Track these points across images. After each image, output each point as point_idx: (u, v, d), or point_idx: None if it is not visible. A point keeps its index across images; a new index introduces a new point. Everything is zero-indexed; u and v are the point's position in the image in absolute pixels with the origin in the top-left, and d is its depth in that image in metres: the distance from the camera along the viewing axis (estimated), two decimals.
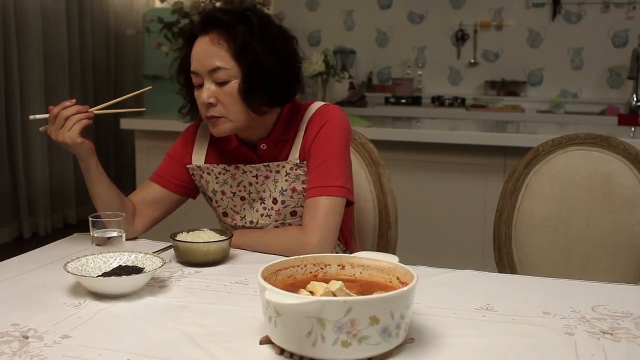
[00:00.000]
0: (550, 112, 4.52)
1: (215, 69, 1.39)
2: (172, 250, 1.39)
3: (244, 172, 1.53)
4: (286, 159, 1.51)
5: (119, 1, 5.50)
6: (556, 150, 1.74)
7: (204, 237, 1.36)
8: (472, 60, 5.24)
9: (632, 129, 3.25)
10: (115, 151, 5.46)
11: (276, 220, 1.52)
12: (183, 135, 1.63)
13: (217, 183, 1.56)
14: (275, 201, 1.52)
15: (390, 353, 0.91)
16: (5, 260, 1.36)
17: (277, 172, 1.51)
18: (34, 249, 1.46)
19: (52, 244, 1.51)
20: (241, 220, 1.55)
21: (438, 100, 4.94)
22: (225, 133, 1.46)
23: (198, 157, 1.58)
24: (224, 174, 1.55)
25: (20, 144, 4.42)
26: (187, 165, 1.58)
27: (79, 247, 1.44)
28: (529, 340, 0.98)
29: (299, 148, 1.50)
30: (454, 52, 5.28)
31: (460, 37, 5.23)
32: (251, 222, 1.54)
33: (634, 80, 4.45)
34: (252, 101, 1.41)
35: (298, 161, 1.49)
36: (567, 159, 1.73)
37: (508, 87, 5.05)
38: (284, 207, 1.51)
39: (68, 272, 1.14)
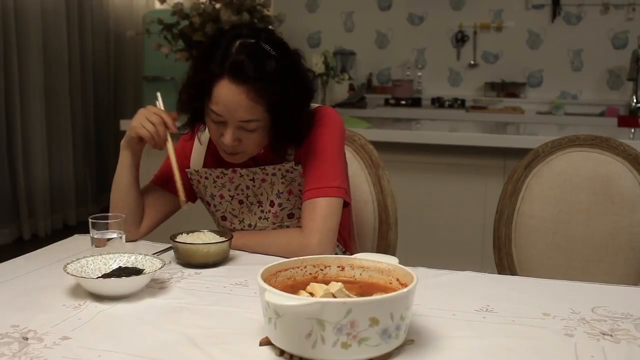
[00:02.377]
0: (550, 113, 4.52)
1: (246, 121, 1.37)
2: (172, 252, 1.39)
3: (241, 175, 1.53)
4: (281, 161, 1.51)
5: (118, 2, 5.50)
6: (556, 152, 1.74)
7: (204, 239, 1.36)
8: (472, 62, 5.24)
9: (632, 130, 3.25)
10: (115, 152, 5.45)
11: (274, 223, 1.53)
12: (182, 139, 1.64)
13: (215, 187, 1.56)
14: (272, 204, 1.52)
15: (390, 354, 0.91)
16: (5, 262, 1.36)
17: (274, 174, 1.51)
18: (33, 250, 1.46)
19: (51, 245, 1.50)
20: (240, 223, 1.56)
21: (438, 102, 4.94)
22: (240, 162, 1.48)
23: (196, 162, 1.59)
24: (221, 177, 1.55)
25: (20, 145, 4.42)
26: (186, 170, 1.58)
27: (79, 248, 1.44)
28: (528, 342, 0.98)
29: (294, 150, 1.51)
30: (454, 54, 5.29)
31: (460, 39, 5.23)
32: (250, 225, 1.55)
33: (633, 82, 4.46)
34: (279, 147, 1.45)
35: (293, 163, 1.50)
36: (567, 160, 1.73)
37: (508, 89, 5.06)
38: (281, 210, 1.52)
39: (68, 273, 1.14)
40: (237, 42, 1.36)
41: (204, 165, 1.58)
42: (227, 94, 1.34)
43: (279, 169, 1.51)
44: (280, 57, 1.37)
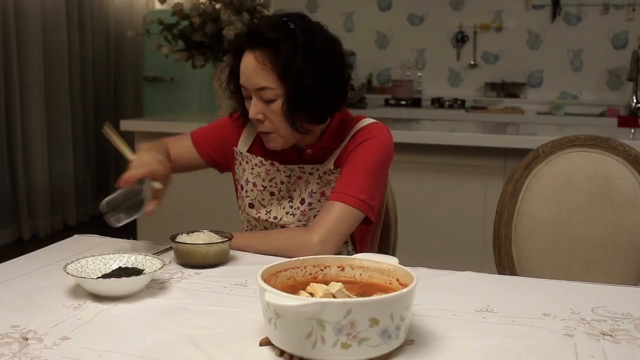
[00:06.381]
0: (550, 113, 4.52)
1: (261, 89, 1.41)
2: (172, 252, 1.39)
3: (278, 170, 1.55)
4: (323, 162, 1.53)
5: (119, 3, 5.51)
6: (556, 152, 1.74)
7: (204, 239, 1.36)
8: (472, 62, 5.24)
9: (632, 130, 3.25)
10: (115, 153, 5.45)
11: (299, 221, 1.53)
12: (235, 117, 1.63)
13: (251, 174, 1.58)
14: (302, 202, 1.53)
15: (390, 355, 0.91)
16: (5, 262, 1.36)
17: (311, 174, 1.53)
18: (33, 250, 1.46)
19: (51, 245, 1.50)
20: (266, 214, 1.57)
21: (438, 102, 4.94)
22: (277, 148, 1.49)
23: (243, 144, 1.62)
24: (259, 166, 1.57)
25: (20, 145, 4.42)
26: (234, 148, 1.62)
27: (79, 248, 1.44)
28: (528, 342, 0.98)
29: (337, 155, 1.52)
30: (454, 54, 5.29)
31: (460, 39, 5.23)
32: (275, 217, 1.55)
33: (633, 82, 4.46)
34: (295, 120, 1.42)
35: (332, 167, 1.51)
36: (567, 160, 1.73)
37: (508, 89, 5.06)
38: (309, 209, 1.52)
39: (68, 273, 1.14)
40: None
41: (249, 150, 1.60)
42: (244, 62, 1.43)
43: (317, 170, 1.52)
44: (300, 30, 1.40)
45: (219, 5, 3.06)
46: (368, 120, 1.58)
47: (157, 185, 1.37)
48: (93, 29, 5.17)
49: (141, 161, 1.38)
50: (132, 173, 1.35)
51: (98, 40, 5.26)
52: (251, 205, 1.59)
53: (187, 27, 3.14)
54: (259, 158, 1.57)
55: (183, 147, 1.64)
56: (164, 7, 3.30)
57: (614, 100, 4.80)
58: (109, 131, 1.46)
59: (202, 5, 3.09)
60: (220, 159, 1.65)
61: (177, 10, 3.18)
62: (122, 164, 1.42)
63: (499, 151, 2.70)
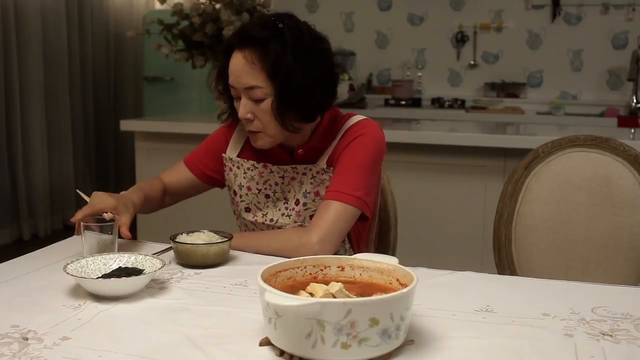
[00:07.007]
0: (550, 113, 4.52)
1: (250, 88, 1.41)
2: (172, 252, 1.39)
3: (272, 172, 1.55)
4: (315, 162, 1.53)
5: (119, 3, 5.50)
6: (556, 152, 1.74)
7: (204, 239, 1.36)
8: (472, 62, 5.24)
9: (632, 130, 3.25)
10: (115, 153, 5.46)
11: (295, 222, 1.53)
12: (226, 125, 1.65)
13: (244, 178, 1.58)
14: (297, 202, 1.53)
15: (390, 355, 0.91)
16: (5, 262, 1.36)
17: (304, 174, 1.53)
18: (33, 250, 1.46)
19: (51, 245, 1.50)
20: (262, 217, 1.57)
21: (438, 102, 4.94)
22: (265, 147, 1.49)
23: (232, 150, 1.62)
24: (252, 170, 1.57)
25: (20, 145, 4.42)
26: (223, 154, 1.62)
27: (79, 248, 1.44)
28: (528, 342, 0.98)
29: (329, 154, 1.52)
30: (454, 54, 5.28)
31: (460, 39, 5.23)
32: (271, 220, 1.56)
33: (633, 82, 4.46)
34: (285, 119, 1.43)
35: (325, 166, 1.51)
36: (567, 160, 1.73)
37: (508, 89, 5.06)
38: (304, 209, 1.52)
39: (68, 273, 1.14)
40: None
41: (239, 155, 1.60)
42: (233, 62, 1.42)
43: (310, 169, 1.52)
44: (288, 29, 1.41)
45: (219, 5, 3.06)
46: (358, 117, 1.57)
47: (107, 215, 1.38)
48: (93, 29, 5.17)
49: (88, 204, 1.41)
50: (76, 217, 1.38)
51: (98, 40, 5.26)
52: (247, 210, 1.59)
53: (187, 27, 3.14)
54: (251, 162, 1.57)
55: (177, 173, 1.66)
56: (164, 7, 3.29)
57: (614, 100, 4.80)
58: (79, 192, 1.53)
59: (202, 5, 3.09)
60: (217, 175, 1.65)
61: (177, 10, 3.17)
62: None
63: (499, 151, 2.70)
